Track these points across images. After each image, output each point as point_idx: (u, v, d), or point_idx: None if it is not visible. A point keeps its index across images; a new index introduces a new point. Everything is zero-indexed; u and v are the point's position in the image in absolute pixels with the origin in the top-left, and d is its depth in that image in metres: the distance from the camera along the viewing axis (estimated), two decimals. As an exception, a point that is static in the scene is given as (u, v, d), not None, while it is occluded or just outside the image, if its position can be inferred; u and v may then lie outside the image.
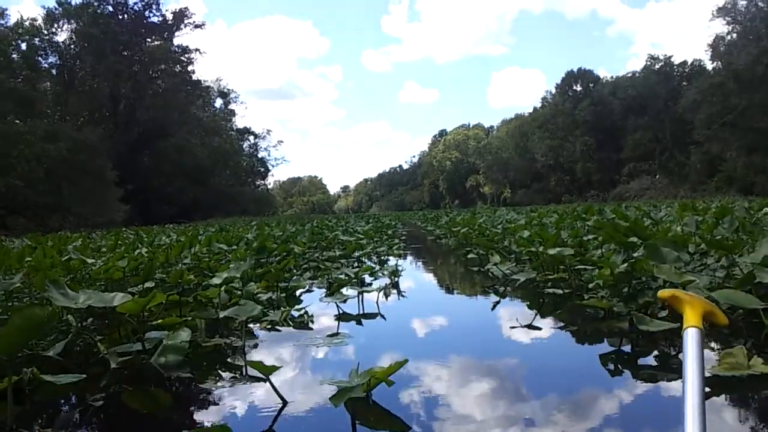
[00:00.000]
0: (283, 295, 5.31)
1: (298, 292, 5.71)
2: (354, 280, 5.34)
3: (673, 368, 2.71)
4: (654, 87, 71.35)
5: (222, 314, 3.32)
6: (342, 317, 4.44)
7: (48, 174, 29.79)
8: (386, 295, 5.25)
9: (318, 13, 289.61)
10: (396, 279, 6.16)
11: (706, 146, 55.42)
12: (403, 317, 4.62)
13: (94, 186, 31.17)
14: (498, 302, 5.00)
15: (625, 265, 3.52)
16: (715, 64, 54.11)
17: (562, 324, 4.03)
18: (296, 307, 4.46)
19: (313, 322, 4.11)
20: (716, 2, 50.96)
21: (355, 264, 8.07)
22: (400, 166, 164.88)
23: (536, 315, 4.27)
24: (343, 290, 5.13)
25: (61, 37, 44.77)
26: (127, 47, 50.24)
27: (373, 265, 8.36)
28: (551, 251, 4.78)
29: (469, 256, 8.08)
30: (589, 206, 9.57)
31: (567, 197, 76.06)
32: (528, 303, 4.89)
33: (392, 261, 8.90)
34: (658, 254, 3.61)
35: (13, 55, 36.22)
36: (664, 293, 1.67)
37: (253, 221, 27.26)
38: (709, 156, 56.20)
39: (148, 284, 4.50)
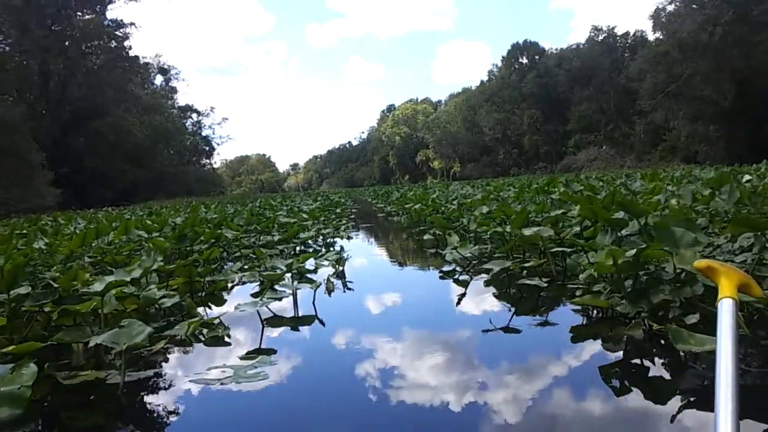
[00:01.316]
0: (202, 294, 4.37)
1: (228, 287, 4.81)
2: (290, 273, 4.39)
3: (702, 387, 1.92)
4: (598, 58, 71.70)
5: (93, 341, 2.35)
6: (271, 322, 3.55)
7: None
8: (329, 291, 4.35)
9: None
10: (341, 268, 5.28)
11: (650, 116, 55.95)
12: (347, 320, 3.74)
13: (16, 169, 28.65)
14: (463, 295, 4.16)
15: (633, 252, 2.67)
16: (656, 34, 54.36)
17: (545, 325, 3.22)
18: (217, 311, 3.55)
19: (229, 336, 3.18)
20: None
21: (297, 249, 7.15)
22: (349, 142, 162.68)
23: (512, 314, 3.45)
24: (278, 285, 4.22)
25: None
26: (56, 21, 47.14)
27: (319, 248, 7.47)
28: (526, 232, 3.95)
29: (425, 237, 7.24)
30: (552, 178, 8.86)
31: (515, 170, 76.33)
32: (498, 295, 4.07)
33: (339, 244, 8.01)
34: (670, 236, 2.81)
35: None
36: (700, 263, 1.59)
37: (193, 202, 25.85)
38: (652, 126, 56.82)
39: (20, 290, 3.48)
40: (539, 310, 3.50)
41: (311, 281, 5.06)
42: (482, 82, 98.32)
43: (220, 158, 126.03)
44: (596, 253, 3.06)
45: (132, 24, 52.29)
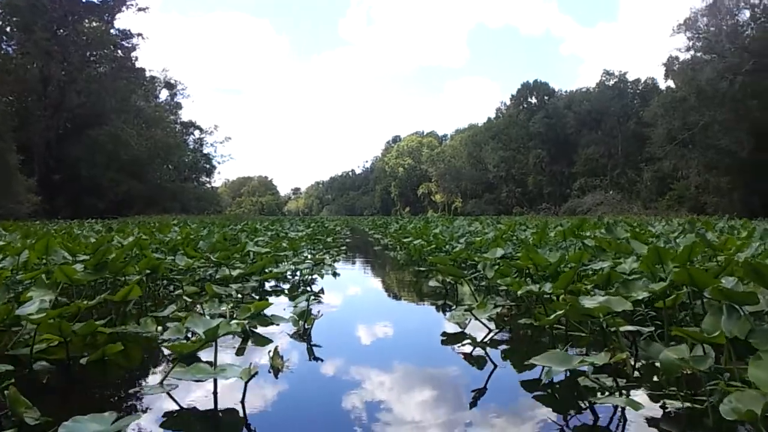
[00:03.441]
0: (84, 362, 2.87)
1: (157, 341, 3.34)
2: (219, 337, 2.91)
3: None
4: (608, 102, 70.97)
5: None
6: (169, 423, 2.08)
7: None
8: (275, 370, 2.85)
9: (275, 12, 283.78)
10: (308, 326, 3.79)
11: (658, 164, 55.01)
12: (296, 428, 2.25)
13: None
14: (482, 393, 2.66)
15: None
16: (668, 82, 53.75)
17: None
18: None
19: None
20: (672, 20, 50.30)
21: (265, 287, 5.68)
22: (352, 170, 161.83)
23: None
24: (215, 350, 2.74)
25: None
26: (62, 26, 46.23)
27: (300, 285, 6.02)
28: (587, 302, 2.48)
29: (430, 283, 5.79)
30: (583, 219, 7.41)
31: (518, 209, 75.09)
32: (538, 395, 2.58)
33: (320, 283, 6.55)
34: None
35: None
36: None
37: (175, 219, 24.36)
38: (660, 174, 55.80)
39: None
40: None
41: (265, 341, 3.61)
42: (489, 119, 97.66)
43: (221, 177, 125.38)
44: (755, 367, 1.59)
45: (140, 35, 51.58)
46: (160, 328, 3.61)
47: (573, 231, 6.32)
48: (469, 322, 3.99)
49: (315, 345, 3.56)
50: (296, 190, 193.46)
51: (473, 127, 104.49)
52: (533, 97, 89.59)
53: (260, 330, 3.88)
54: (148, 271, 4.84)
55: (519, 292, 3.50)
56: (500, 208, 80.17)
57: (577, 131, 75.91)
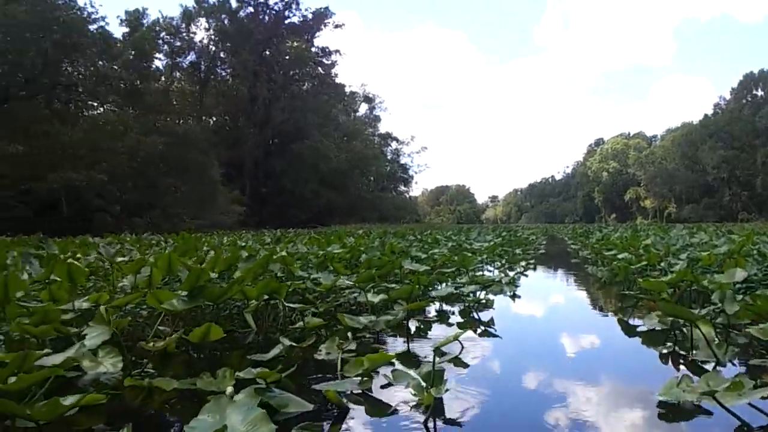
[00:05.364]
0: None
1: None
2: None
3: None
4: None
5: None
6: None
7: (141, 169, 28.00)
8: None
9: (471, 24, 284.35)
10: (436, 392, 2.50)
11: None
12: None
13: (195, 184, 28.93)
14: None
15: None
16: None
17: None
18: None
19: None
20: None
21: (408, 318, 4.50)
22: (552, 176, 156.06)
23: None
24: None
25: (199, 35, 44.62)
26: (266, 47, 49.54)
27: (457, 311, 4.77)
28: None
29: (648, 321, 4.18)
30: None
31: (745, 215, 66.34)
32: None
33: (494, 308, 5.23)
34: None
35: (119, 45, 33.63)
36: None
37: (361, 228, 24.18)
38: None
39: None
40: None
41: (377, 411, 2.41)
42: (706, 115, 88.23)
43: (419, 187, 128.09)
44: None
45: (337, 51, 53.52)
46: (230, 389, 2.54)
47: None
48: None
49: (452, 422, 2.29)
50: (494, 198, 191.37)
51: (687, 126, 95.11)
52: (759, 89, 79.56)
53: (377, 392, 2.68)
54: (268, 297, 3.90)
55: None
56: (722, 214, 71.74)
57: (818, 124, 65.63)
